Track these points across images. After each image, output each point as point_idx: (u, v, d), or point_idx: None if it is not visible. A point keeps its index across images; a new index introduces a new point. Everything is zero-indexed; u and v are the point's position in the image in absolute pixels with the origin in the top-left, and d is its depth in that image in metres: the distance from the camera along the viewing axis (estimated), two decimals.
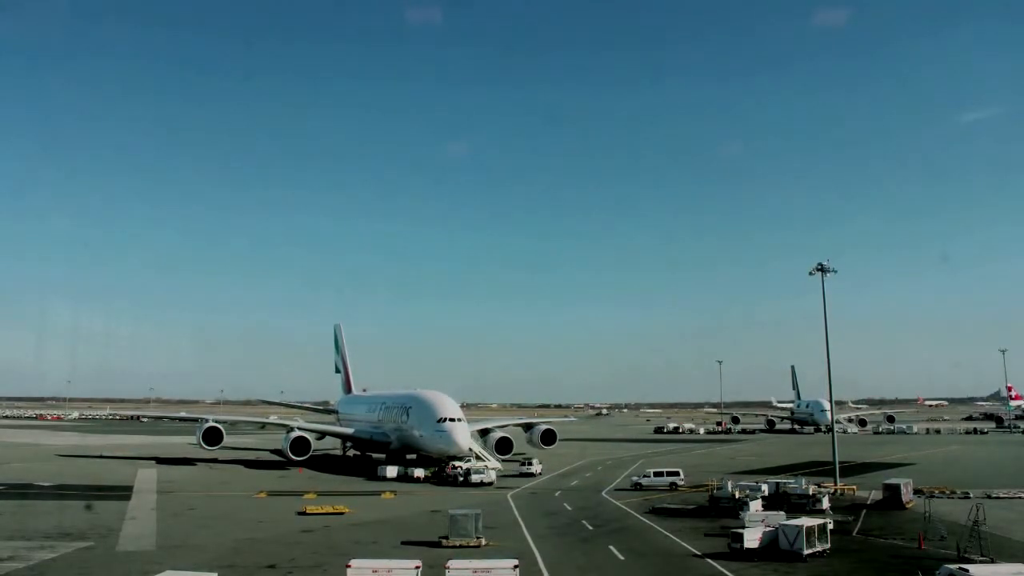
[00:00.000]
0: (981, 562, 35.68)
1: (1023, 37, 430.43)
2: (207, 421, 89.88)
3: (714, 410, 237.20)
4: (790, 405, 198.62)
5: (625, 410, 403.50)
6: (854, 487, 66.38)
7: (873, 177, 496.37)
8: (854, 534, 46.62)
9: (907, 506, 56.80)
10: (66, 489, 64.05)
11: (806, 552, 38.70)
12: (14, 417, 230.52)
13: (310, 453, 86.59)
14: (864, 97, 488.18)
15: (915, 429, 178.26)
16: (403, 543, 42.17)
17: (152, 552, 39.98)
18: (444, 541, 41.68)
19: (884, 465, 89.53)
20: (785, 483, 61.19)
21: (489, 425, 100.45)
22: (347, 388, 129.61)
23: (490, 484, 69.85)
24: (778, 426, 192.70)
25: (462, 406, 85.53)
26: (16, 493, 62.16)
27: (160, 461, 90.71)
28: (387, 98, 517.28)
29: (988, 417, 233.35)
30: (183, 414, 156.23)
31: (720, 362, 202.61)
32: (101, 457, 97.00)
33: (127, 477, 73.57)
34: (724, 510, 53.92)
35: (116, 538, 43.28)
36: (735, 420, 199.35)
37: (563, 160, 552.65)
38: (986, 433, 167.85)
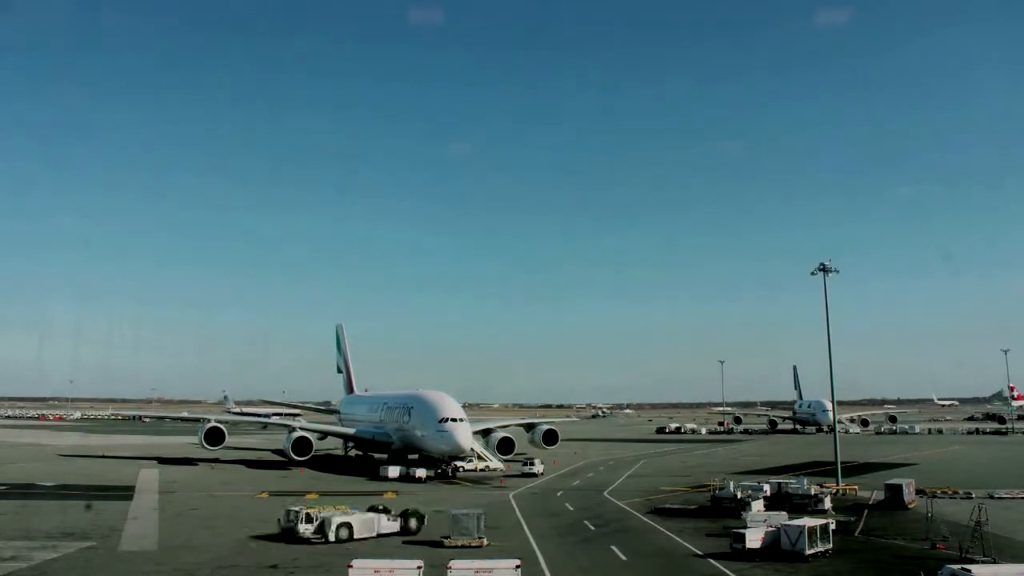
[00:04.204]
0: (984, 562, 35.58)
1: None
2: (209, 421, 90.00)
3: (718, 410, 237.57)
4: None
5: (627, 410, 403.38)
6: (856, 487, 66.36)
7: (875, 176, 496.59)
8: (856, 534, 46.60)
9: (909, 506, 56.74)
10: (68, 489, 64.12)
11: (808, 552, 38.67)
12: (16, 417, 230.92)
13: (312, 453, 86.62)
14: (865, 96, 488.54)
15: (917, 429, 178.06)
16: (405, 543, 42.23)
17: (154, 552, 40.05)
18: (446, 541, 41.68)
19: (886, 465, 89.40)
20: (787, 483, 61.15)
21: (491, 425, 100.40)
22: (349, 388, 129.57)
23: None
24: (780, 426, 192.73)
25: (464, 406, 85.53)
26: (18, 493, 62.25)
27: (162, 461, 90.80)
28: (389, 97, 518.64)
29: (990, 417, 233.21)
30: (185, 414, 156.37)
31: (722, 362, 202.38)
32: (103, 457, 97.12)
33: (129, 477, 73.65)
34: (726, 510, 53.85)
35: (118, 538, 43.33)
36: (737, 420, 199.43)
37: (564, 159, 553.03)
38: (988, 433, 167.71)
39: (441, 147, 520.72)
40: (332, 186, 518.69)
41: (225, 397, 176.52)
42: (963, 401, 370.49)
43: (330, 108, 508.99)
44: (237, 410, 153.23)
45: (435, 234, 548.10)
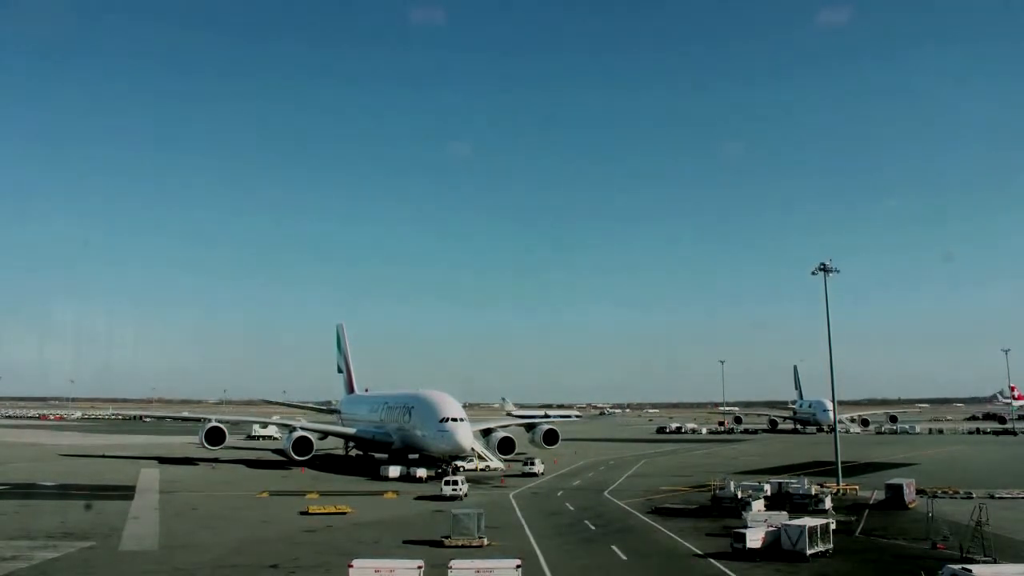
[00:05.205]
0: (984, 562, 35.53)
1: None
2: (209, 421, 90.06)
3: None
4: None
5: (628, 410, 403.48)
6: (856, 487, 66.34)
7: (877, 177, 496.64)
8: (857, 534, 46.56)
9: (910, 506, 56.71)
10: (69, 489, 64.14)
11: (809, 552, 38.63)
12: (17, 417, 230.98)
13: (312, 453, 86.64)
14: (866, 97, 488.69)
15: (918, 429, 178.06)
16: (405, 543, 42.20)
17: (155, 552, 40.04)
18: (446, 541, 41.63)
19: (887, 465, 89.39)
20: (787, 483, 61.13)
21: (491, 425, 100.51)
22: (349, 388, 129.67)
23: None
24: (780, 426, 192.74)
25: (464, 406, 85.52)
26: (20, 493, 62.29)
27: (162, 461, 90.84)
28: (390, 98, 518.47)
29: (990, 417, 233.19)
30: (185, 414, 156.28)
31: (723, 362, 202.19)
32: (104, 457, 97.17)
33: (130, 477, 73.67)
34: (726, 510, 53.82)
35: (119, 538, 43.32)
36: (737, 420, 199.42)
37: (564, 161, 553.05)
38: (988, 433, 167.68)
39: (442, 148, 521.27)
40: (332, 186, 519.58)
41: (504, 399, 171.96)
42: (963, 401, 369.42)
43: (330, 108, 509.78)
44: (518, 412, 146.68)
45: (435, 234, 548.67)
